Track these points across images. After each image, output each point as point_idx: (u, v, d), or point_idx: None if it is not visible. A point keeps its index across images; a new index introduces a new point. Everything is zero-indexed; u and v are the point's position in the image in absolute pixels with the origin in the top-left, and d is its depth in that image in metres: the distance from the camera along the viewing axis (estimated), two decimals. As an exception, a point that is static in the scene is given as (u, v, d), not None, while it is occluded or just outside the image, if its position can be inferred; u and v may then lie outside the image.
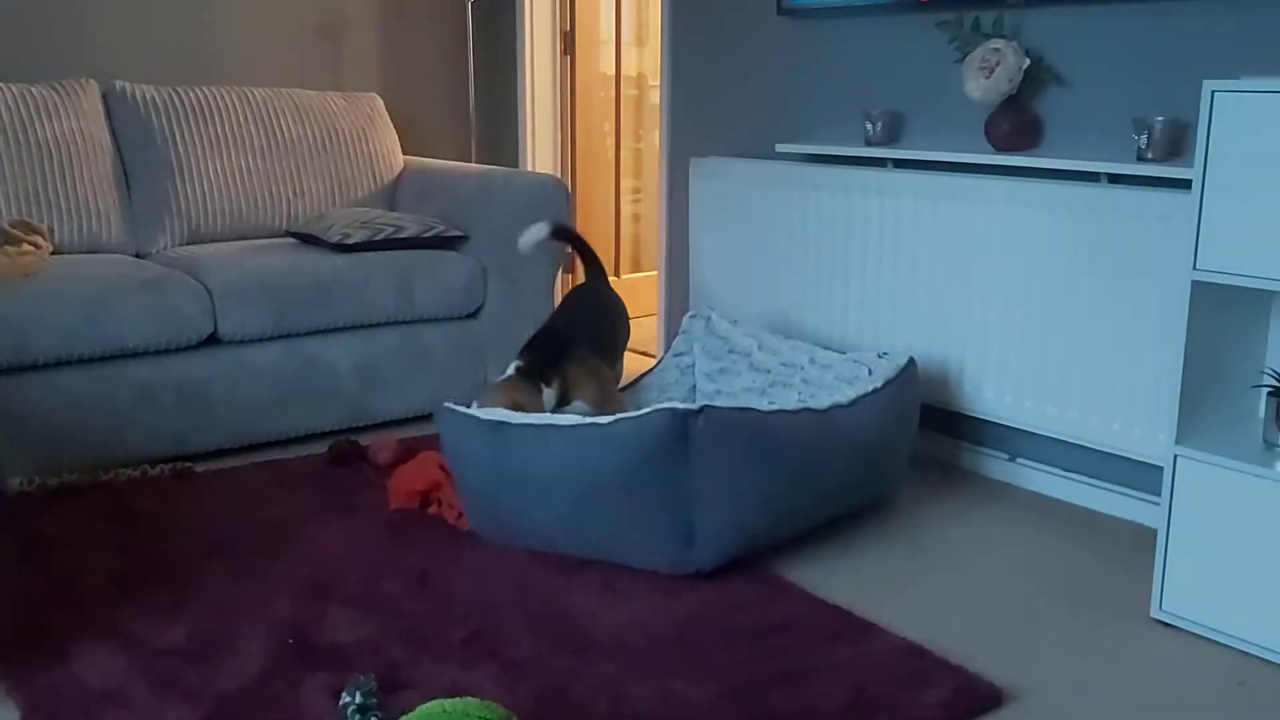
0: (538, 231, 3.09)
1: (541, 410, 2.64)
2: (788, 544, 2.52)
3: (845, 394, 2.59)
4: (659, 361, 3.28)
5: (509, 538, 2.48)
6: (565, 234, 3.17)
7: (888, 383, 2.65)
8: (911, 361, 2.76)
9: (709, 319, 3.24)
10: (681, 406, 2.24)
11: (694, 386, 3.22)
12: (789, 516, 2.44)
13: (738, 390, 3.09)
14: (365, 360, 3.31)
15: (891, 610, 2.25)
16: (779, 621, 2.17)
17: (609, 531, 2.33)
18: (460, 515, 2.62)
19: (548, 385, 2.70)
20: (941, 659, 2.02)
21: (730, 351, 3.15)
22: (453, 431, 2.48)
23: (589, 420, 2.33)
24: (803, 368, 2.99)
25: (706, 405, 2.26)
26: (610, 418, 2.30)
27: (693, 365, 3.23)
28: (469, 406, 2.51)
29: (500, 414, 2.41)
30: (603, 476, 2.27)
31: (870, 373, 2.83)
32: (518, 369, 2.69)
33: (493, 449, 2.39)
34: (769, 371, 3.05)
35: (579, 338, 2.83)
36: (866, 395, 2.59)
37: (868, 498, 2.69)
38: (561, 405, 2.74)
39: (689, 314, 3.30)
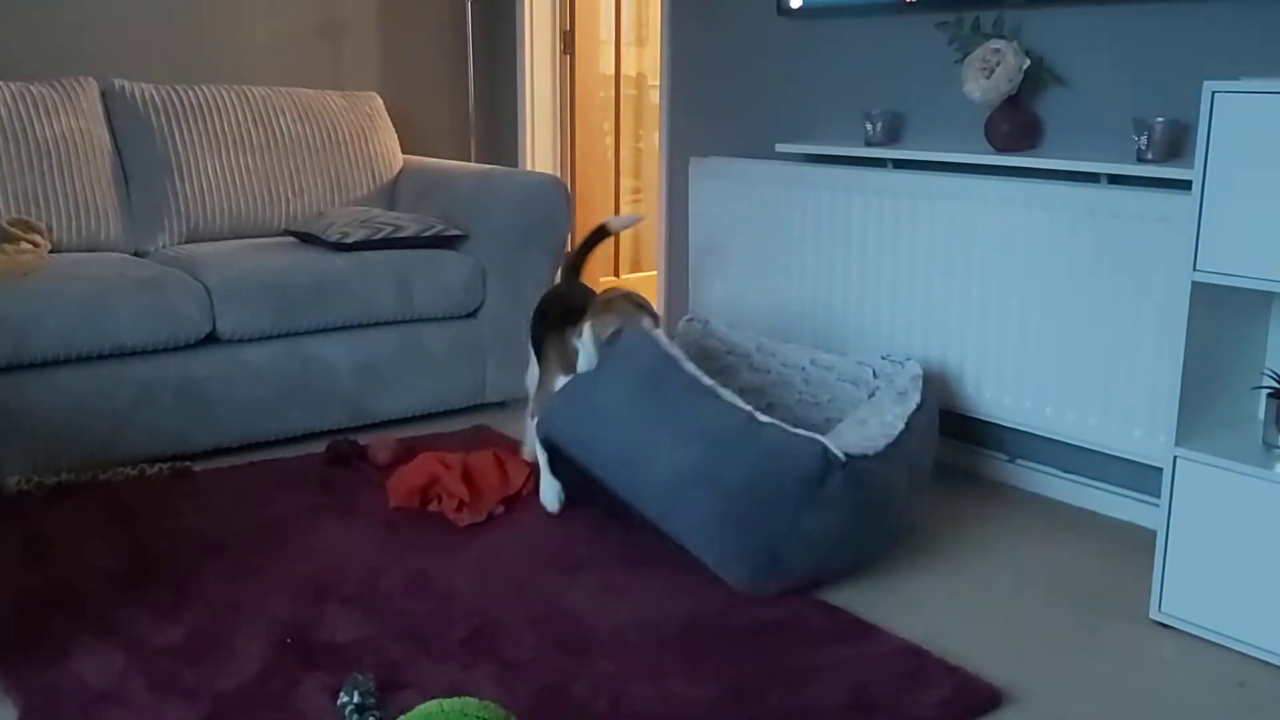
0: (629, 219, 3.34)
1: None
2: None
3: (895, 413, 2.54)
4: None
5: (585, 449, 2.47)
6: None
7: (924, 398, 2.63)
8: (923, 371, 2.74)
9: (706, 323, 3.24)
10: (834, 450, 2.23)
11: None
12: (864, 554, 2.43)
13: (735, 391, 3.08)
14: (364, 360, 3.30)
15: (891, 611, 2.25)
16: (778, 622, 2.17)
17: (701, 523, 2.28)
18: (460, 506, 2.62)
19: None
20: (940, 659, 2.02)
21: (729, 353, 3.15)
22: (628, 338, 2.52)
23: (748, 409, 2.33)
24: (803, 369, 2.99)
25: (852, 457, 2.25)
26: (766, 419, 2.30)
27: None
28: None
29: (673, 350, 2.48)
30: (729, 470, 2.25)
31: (874, 374, 2.83)
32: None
33: (656, 371, 2.43)
34: (769, 372, 3.05)
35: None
36: (915, 414, 2.55)
37: (907, 520, 2.64)
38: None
39: (686, 318, 3.30)
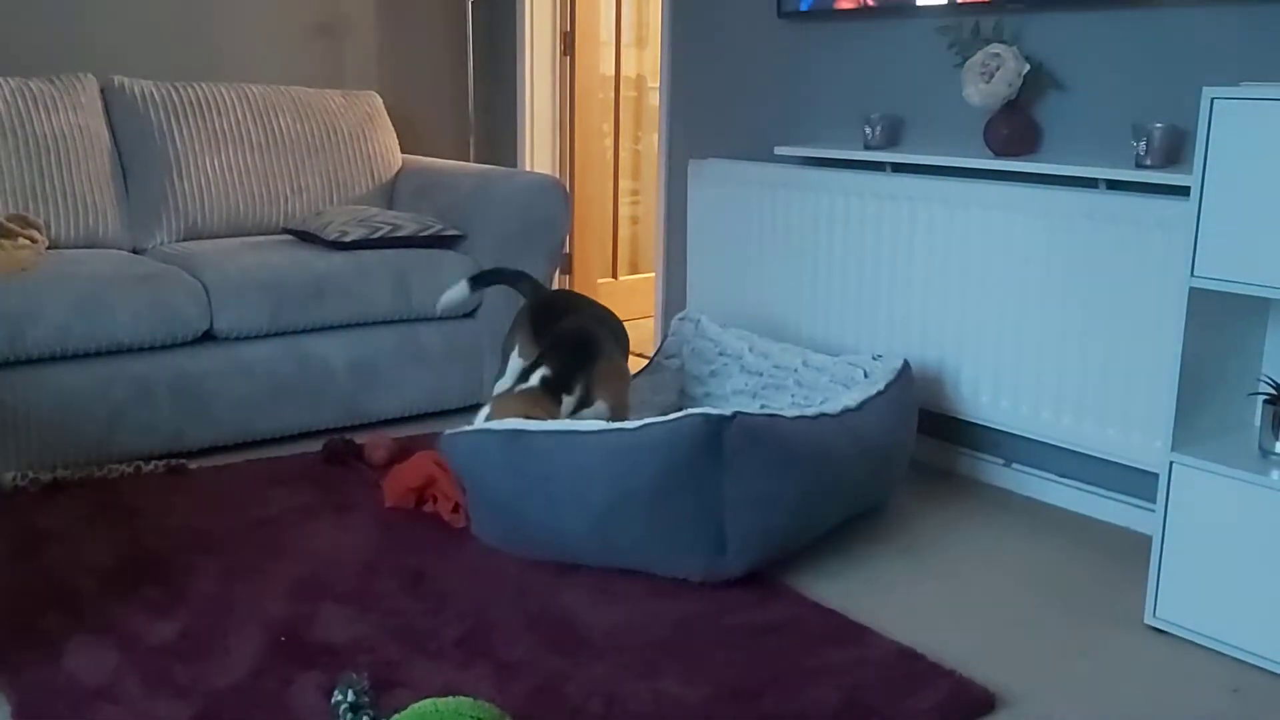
0: (457, 292, 3.16)
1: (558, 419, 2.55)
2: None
3: (851, 397, 2.58)
4: (648, 364, 3.28)
5: (531, 551, 2.43)
6: (486, 279, 3.17)
7: (889, 385, 2.66)
8: (906, 364, 2.76)
9: (698, 322, 3.24)
10: (714, 412, 2.22)
11: (682, 390, 3.21)
12: (812, 521, 2.43)
13: (728, 393, 3.09)
14: (361, 358, 3.30)
15: (885, 614, 2.25)
16: (773, 624, 2.17)
17: (639, 540, 2.30)
18: (456, 508, 2.61)
19: (569, 393, 2.58)
20: (935, 663, 2.02)
21: (721, 354, 3.15)
22: (466, 452, 2.41)
23: (616, 426, 2.29)
24: (796, 370, 2.99)
25: (738, 412, 2.25)
26: (638, 422, 2.27)
27: (682, 367, 3.23)
28: (474, 418, 2.48)
29: (518, 423, 2.35)
30: (634, 482, 2.24)
31: (866, 375, 2.83)
32: (544, 379, 2.56)
33: (514, 461, 2.33)
34: (761, 374, 3.05)
35: (602, 336, 2.71)
36: (872, 398, 2.59)
37: (875, 499, 2.70)
38: (580, 409, 2.63)
39: (678, 316, 3.30)
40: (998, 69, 2.74)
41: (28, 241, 3.09)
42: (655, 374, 3.23)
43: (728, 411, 2.23)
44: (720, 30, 3.70)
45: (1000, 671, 2.03)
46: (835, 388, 2.89)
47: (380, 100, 4.12)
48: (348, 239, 3.37)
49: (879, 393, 2.62)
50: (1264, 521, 2.03)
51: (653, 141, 4.98)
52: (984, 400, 2.87)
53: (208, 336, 3.08)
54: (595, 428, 2.30)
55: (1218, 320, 2.18)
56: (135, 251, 3.49)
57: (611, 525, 2.29)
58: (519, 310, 2.99)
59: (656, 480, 2.23)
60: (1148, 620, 2.22)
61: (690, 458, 2.21)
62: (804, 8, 3.31)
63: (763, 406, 2.99)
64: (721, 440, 2.21)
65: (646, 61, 5.00)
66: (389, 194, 4.00)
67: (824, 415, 2.45)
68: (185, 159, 3.59)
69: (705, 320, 3.23)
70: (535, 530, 2.38)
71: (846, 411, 2.50)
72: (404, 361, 3.37)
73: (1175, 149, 2.54)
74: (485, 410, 2.52)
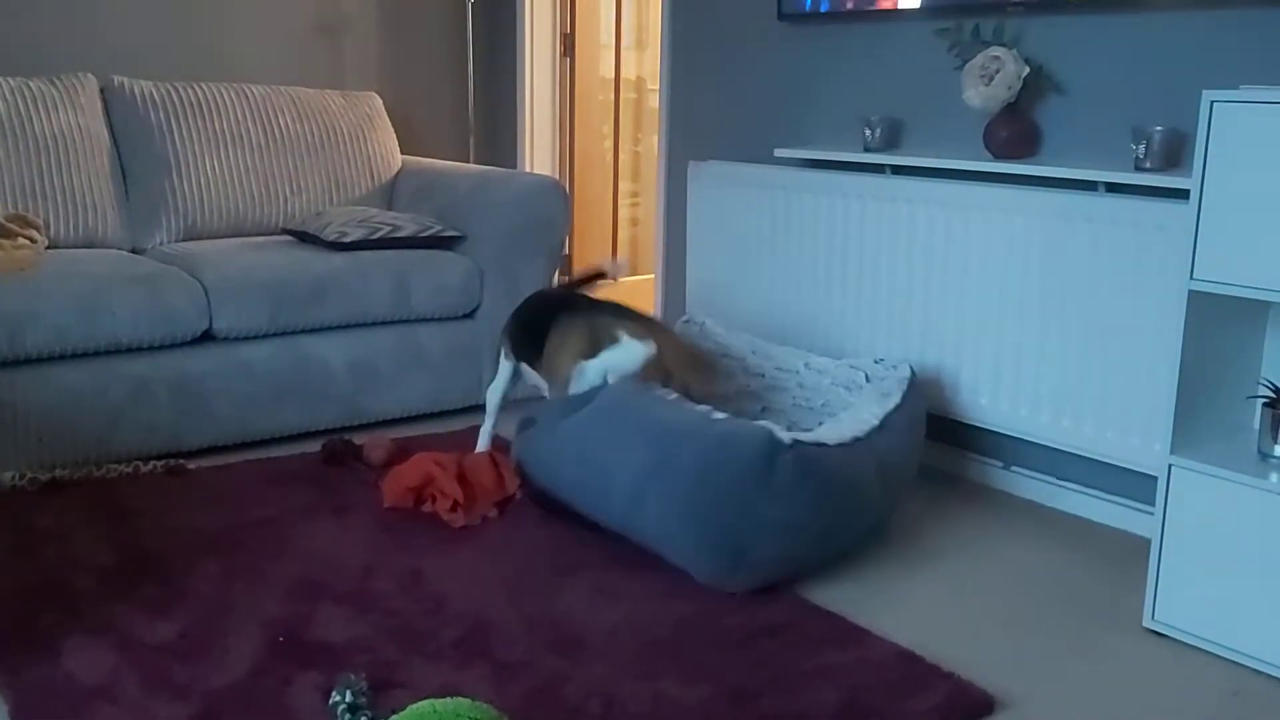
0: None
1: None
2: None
3: (872, 411, 2.56)
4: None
5: (560, 487, 2.50)
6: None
7: (905, 397, 2.64)
8: (914, 372, 2.75)
9: (703, 324, 3.24)
10: (778, 433, 2.23)
11: None
12: (828, 547, 2.43)
13: (731, 394, 3.09)
14: (360, 359, 3.30)
15: (885, 616, 2.25)
16: (772, 626, 2.17)
17: (664, 518, 2.29)
18: (454, 507, 2.61)
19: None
20: (934, 665, 2.02)
21: (724, 356, 3.15)
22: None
23: (707, 409, 2.39)
24: (798, 372, 2.99)
25: (797, 440, 2.25)
26: (720, 415, 2.35)
27: (685, 369, 3.23)
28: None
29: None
30: (683, 459, 2.26)
31: (867, 378, 2.83)
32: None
33: (592, 395, 2.50)
34: (763, 375, 3.05)
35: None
36: (891, 413, 2.57)
37: (885, 516, 2.68)
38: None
39: (683, 319, 3.30)
40: (997, 72, 2.74)
41: (27, 241, 3.09)
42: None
43: (787, 438, 2.24)
44: (720, 32, 3.70)
45: (999, 674, 2.03)
46: (836, 390, 2.89)
47: (380, 101, 4.12)
48: (347, 239, 3.37)
49: (896, 407, 2.60)
50: (1263, 525, 2.03)
51: (652, 143, 4.97)
52: (983, 403, 2.87)
53: (207, 336, 3.08)
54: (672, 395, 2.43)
55: (1217, 323, 2.18)
56: (135, 251, 3.48)
57: (644, 493, 2.30)
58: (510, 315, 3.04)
59: (703, 470, 2.24)
60: (1146, 623, 2.22)
61: (741, 465, 2.22)
62: (805, 9, 3.31)
63: (763, 409, 2.99)
64: (774, 464, 2.22)
65: (646, 63, 5.00)
66: (389, 195, 4.00)
67: (858, 440, 2.43)
68: (185, 159, 3.59)
69: (710, 323, 3.23)
70: (575, 466, 2.43)
71: (873, 432, 2.48)
72: (403, 362, 3.37)
73: (1175, 152, 2.54)
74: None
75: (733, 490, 2.22)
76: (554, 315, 2.78)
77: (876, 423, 2.51)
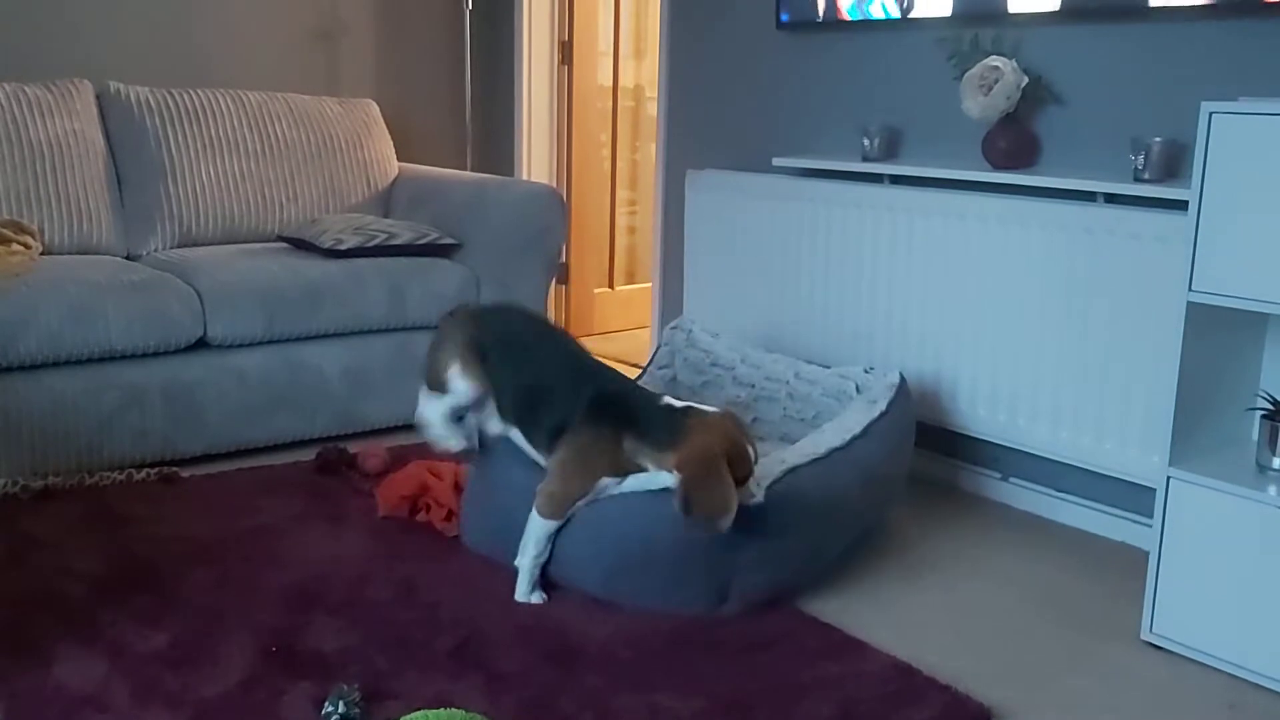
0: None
1: None
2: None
3: (855, 419, 2.55)
4: (641, 374, 3.26)
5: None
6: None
7: (891, 404, 2.63)
8: (903, 379, 2.75)
9: (690, 332, 3.22)
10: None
11: None
12: (815, 563, 2.41)
13: (720, 404, 3.07)
14: (355, 367, 3.29)
15: (881, 628, 2.23)
16: (767, 637, 2.16)
17: (645, 585, 2.26)
18: (449, 517, 2.60)
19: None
20: (930, 678, 2.01)
21: (713, 365, 3.14)
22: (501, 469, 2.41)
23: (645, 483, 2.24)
24: (788, 382, 2.97)
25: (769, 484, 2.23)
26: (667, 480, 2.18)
27: (674, 378, 3.21)
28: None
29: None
30: (651, 532, 2.21)
31: (858, 389, 2.82)
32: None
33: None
34: (753, 385, 3.04)
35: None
36: (875, 420, 2.56)
37: (873, 523, 2.68)
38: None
39: (670, 326, 3.29)
40: (996, 82, 2.74)
41: (21, 247, 3.07)
42: (646, 385, 3.21)
43: (760, 498, 2.21)
44: (719, 41, 3.70)
45: (996, 686, 2.02)
46: (827, 400, 2.88)
47: (377, 108, 4.12)
48: (343, 247, 3.36)
49: (882, 414, 2.59)
50: (1261, 537, 2.02)
51: (650, 152, 4.97)
52: (981, 414, 2.86)
53: (201, 344, 3.07)
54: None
55: (1216, 335, 2.18)
56: (129, 258, 3.47)
57: (620, 572, 2.26)
58: None
59: (673, 535, 2.19)
60: (1144, 635, 2.21)
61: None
62: (804, 18, 3.31)
63: (754, 420, 2.98)
64: (748, 512, 2.19)
65: (645, 72, 5.00)
66: (385, 202, 3.99)
67: (835, 451, 2.41)
68: (180, 165, 3.58)
69: (697, 330, 3.22)
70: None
71: (854, 440, 2.47)
72: (398, 370, 3.36)
73: (1174, 163, 2.54)
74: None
75: (708, 542, 2.19)
76: (565, 382, 2.32)
77: (859, 430, 2.51)
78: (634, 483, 2.25)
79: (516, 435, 2.38)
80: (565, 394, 2.28)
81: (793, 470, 2.31)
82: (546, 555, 2.29)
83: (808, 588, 2.39)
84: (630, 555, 2.25)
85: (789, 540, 2.29)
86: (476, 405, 2.41)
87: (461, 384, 2.38)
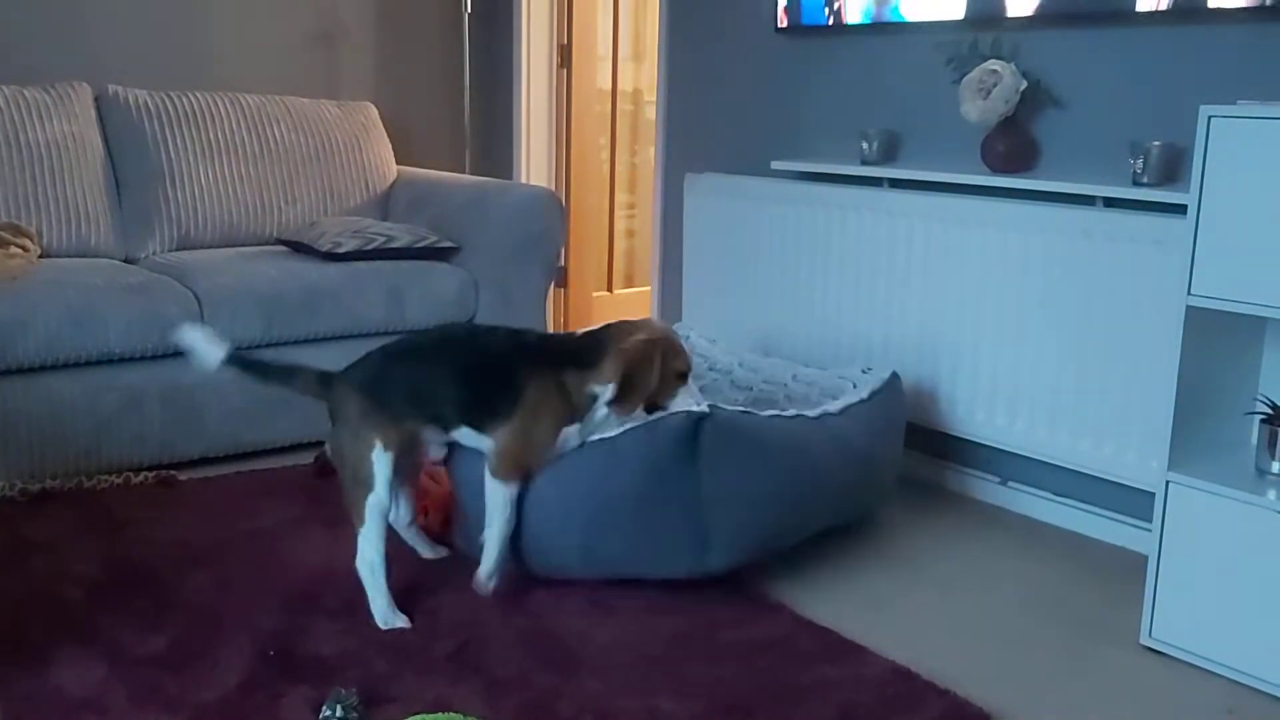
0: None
1: None
2: (776, 563, 2.50)
3: (834, 404, 2.60)
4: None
5: (519, 566, 2.40)
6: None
7: (874, 393, 2.68)
8: (895, 375, 2.76)
9: (687, 337, 3.22)
10: (695, 410, 2.25)
11: None
12: (794, 520, 2.43)
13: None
14: (354, 370, 3.28)
15: (880, 632, 2.23)
16: (766, 641, 2.15)
17: (624, 546, 2.29)
18: (446, 521, 2.60)
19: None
20: (929, 682, 2.01)
21: (710, 369, 3.14)
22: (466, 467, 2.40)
23: (597, 437, 2.29)
24: (786, 384, 2.98)
25: (714, 407, 2.28)
26: (619, 429, 2.28)
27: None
28: None
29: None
30: (617, 488, 2.25)
31: (855, 387, 2.82)
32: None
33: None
34: (750, 389, 3.04)
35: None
36: (854, 404, 2.62)
37: (862, 507, 2.71)
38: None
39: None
40: (995, 85, 2.74)
41: (20, 250, 3.07)
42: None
43: (704, 407, 2.26)
44: (717, 44, 3.70)
45: (995, 691, 2.02)
46: (824, 401, 2.88)
47: (376, 111, 4.12)
48: (341, 250, 3.36)
49: (862, 400, 2.64)
50: (1260, 541, 2.02)
51: (649, 155, 4.97)
52: (980, 417, 2.86)
53: (200, 346, 3.06)
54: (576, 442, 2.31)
55: (1215, 339, 2.18)
56: (128, 261, 3.47)
57: (597, 535, 2.29)
58: None
59: (639, 483, 2.24)
60: (1143, 640, 2.21)
61: (670, 458, 2.23)
62: (804, 22, 3.31)
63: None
64: (698, 437, 2.24)
65: (643, 75, 5.00)
66: (384, 205, 3.99)
67: (800, 416, 2.48)
68: (179, 168, 3.58)
69: (695, 335, 3.22)
70: (525, 546, 2.36)
71: (826, 415, 2.53)
72: (397, 373, 3.35)
73: (1172, 167, 2.54)
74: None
75: (671, 480, 2.24)
76: (483, 360, 2.28)
77: (834, 410, 2.55)
78: (591, 432, 2.28)
79: (466, 435, 2.29)
80: (493, 370, 2.24)
81: (747, 412, 2.38)
82: (512, 527, 2.27)
83: (806, 589, 2.39)
84: (602, 509, 2.26)
85: (755, 483, 2.31)
86: (419, 441, 2.33)
87: (383, 463, 2.20)
